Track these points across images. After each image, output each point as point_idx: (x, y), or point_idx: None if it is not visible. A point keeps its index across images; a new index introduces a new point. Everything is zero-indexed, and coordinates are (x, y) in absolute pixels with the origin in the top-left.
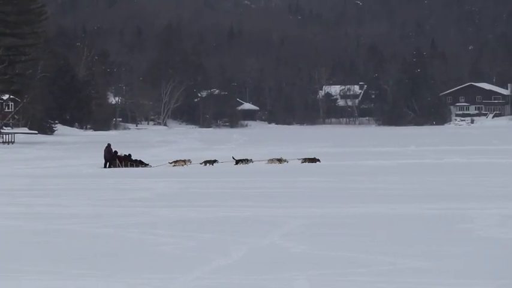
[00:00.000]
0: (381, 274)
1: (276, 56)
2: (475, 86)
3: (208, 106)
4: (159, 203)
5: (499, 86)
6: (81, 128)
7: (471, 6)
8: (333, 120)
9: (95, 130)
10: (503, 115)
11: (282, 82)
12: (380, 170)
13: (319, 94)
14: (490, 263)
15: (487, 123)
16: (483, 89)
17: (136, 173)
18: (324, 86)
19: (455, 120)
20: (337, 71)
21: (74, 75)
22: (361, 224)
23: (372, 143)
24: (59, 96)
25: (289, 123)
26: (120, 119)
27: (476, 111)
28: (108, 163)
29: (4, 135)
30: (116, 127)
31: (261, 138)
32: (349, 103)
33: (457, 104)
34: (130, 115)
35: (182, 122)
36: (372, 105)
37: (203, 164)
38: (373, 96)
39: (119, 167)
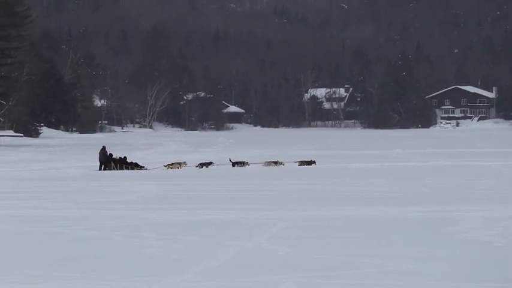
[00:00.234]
0: (367, 277)
1: (262, 58)
2: (460, 89)
3: (194, 109)
4: (144, 205)
5: (484, 89)
6: (67, 130)
7: (456, 10)
8: (319, 123)
9: (80, 133)
10: (488, 118)
11: (267, 85)
12: (366, 173)
13: (305, 97)
14: (475, 266)
15: (472, 126)
16: (468, 92)
17: (125, 175)
18: (309, 89)
19: (441, 123)
20: (323, 73)
21: (59, 78)
22: (347, 227)
23: (358, 145)
24: (45, 99)
25: (274, 126)
26: (106, 122)
27: (462, 114)
28: (103, 166)
29: None
30: (101, 130)
31: (246, 141)
32: (335, 106)
33: (443, 107)
34: (116, 118)
35: (168, 124)
36: (358, 108)
37: (199, 167)
38: (358, 99)
39: (114, 169)
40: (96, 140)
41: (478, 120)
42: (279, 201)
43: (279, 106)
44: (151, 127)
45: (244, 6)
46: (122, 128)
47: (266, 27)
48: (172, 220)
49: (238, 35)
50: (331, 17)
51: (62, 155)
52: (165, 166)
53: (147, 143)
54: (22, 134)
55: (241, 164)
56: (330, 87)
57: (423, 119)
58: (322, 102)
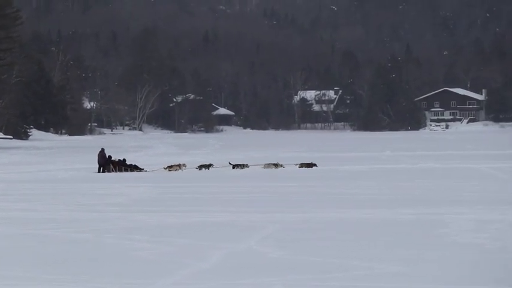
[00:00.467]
0: (358, 279)
1: (251, 60)
2: (450, 91)
3: (183, 111)
4: (136, 208)
5: (473, 92)
6: (57, 133)
7: (446, 12)
8: (308, 125)
9: (70, 135)
10: (478, 120)
11: (257, 87)
12: (356, 175)
13: (294, 99)
14: (465, 268)
15: (462, 128)
16: (458, 94)
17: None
18: (299, 91)
19: (430, 125)
20: (312, 76)
21: (49, 80)
22: (338, 229)
23: (347, 148)
24: (34, 101)
25: (264, 128)
26: (96, 124)
27: (451, 117)
28: (102, 168)
29: None
30: (91, 132)
31: (236, 143)
32: (324, 108)
33: (432, 109)
34: (106, 120)
35: (157, 127)
36: (347, 110)
37: (198, 169)
38: (348, 101)
39: (113, 171)
40: (86, 142)
41: (467, 122)
42: (272, 204)
43: (268, 108)
44: (140, 129)
45: (233, 8)
46: (112, 130)
47: (256, 29)
48: (166, 223)
49: (228, 37)
50: (320, 18)
51: (52, 157)
52: (165, 168)
53: (137, 145)
54: (11, 136)
55: (241, 166)
56: (320, 90)
57: (413, 121)
58: (311, 104)
